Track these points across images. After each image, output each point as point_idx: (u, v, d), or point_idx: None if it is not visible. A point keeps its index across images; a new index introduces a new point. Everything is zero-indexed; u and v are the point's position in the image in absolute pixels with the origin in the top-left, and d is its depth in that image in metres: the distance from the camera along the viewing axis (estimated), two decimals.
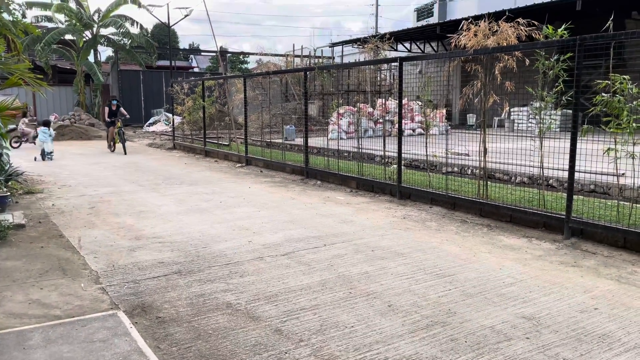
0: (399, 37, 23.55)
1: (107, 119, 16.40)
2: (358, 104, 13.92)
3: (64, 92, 29.54)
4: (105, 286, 4.53)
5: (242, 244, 5.82)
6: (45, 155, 14.52)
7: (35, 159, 14.35)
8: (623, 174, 6.14)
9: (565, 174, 6.27)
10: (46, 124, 15.50)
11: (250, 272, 4.88)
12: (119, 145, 16.47)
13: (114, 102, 16.56)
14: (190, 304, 4.12)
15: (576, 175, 6.17)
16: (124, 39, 28.58)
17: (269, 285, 4.54)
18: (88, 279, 4.71)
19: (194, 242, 5.91)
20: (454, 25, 18.58)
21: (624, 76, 5.51)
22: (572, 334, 3.58)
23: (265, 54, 30.16)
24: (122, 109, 16.60)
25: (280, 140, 15.29)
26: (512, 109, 16.02)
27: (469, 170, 9.84)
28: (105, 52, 46.19)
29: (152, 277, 4.76)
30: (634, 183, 6.11)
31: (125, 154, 15.43)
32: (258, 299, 4.21)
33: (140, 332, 3.62)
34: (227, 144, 15.67)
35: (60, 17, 27.61)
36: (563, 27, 6.13)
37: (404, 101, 8.98)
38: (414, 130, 17.16)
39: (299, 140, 14.34)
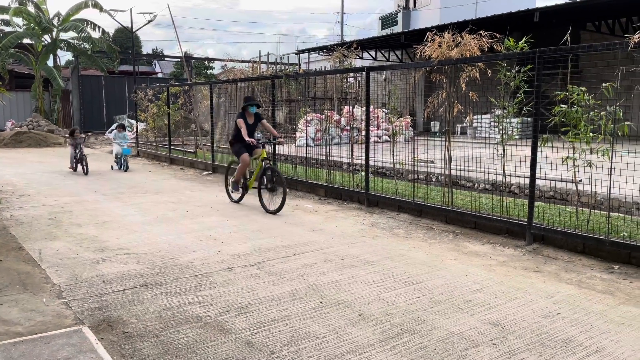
0: (364, 45, 23.82)
1: (247, 139, 8.14)
2: (325, 111, 14.00)
3: (21, 97, 28.61)
4: (69, 301, 4.40)
5: (211, 255, 5.75)
6: (123, 163, 13.63)
7: (112, 168, 13.92)
8: (580, 180, 6.39)
9: (526, 181, 6.47)
10: (123, 127, 14.49)
11: (220, 283, 4.83)
12: (248, 197, 8.89)
13: (253, 109, 8.50)
14: (158, 318, 4.05)
15: (537, 182, 6.37)
16: (85, 44, 27.89)
17: (239, 296, 4.50)
18: (50, 294, 4.57)
19: (161, 253, 5.81)
20: (418, 35, 18.93)
21: (581, 88, 5.74)
22: (536, 339, 3.69)
23: (231, 60, 30.01)
24: (264, 122, 8.82)
25: None
26: (474, 117, 16.42)
27: (434, 178, 10.03)
28: (65, 56, 45.05)
29: (117, 290, 4.66)
30: (591, 190, 6.35)
31: (278, 211, 7.88)
32: (228, 311, 4.18)
33: (106, 348, 3.53)
34: (193, 151, 15.48)
35: (18, 20, 26.76)
36: (523, 39, 6.34)
37: (370, 108, 9.09)
38: (379, 137, 17.36)
39: (267, 148, 14.28)
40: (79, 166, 12.95)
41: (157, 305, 4.29)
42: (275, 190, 8.06)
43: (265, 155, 8.25)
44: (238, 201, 8.90)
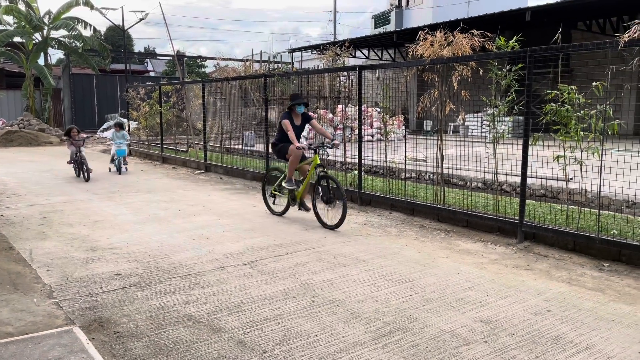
0: (357, 44, 23.85)
1: (297, 143, 7.11)
2: (318, 110, 14.00)
3: (12, 96, 28.41)
4: (60, 301, 4.37)
5: (203, 254, 5.74)
6: (117, 165, 12.58)
7: (109, 170, 12.88)
8: (571, 179, 6.43)
9: (518, 179, 6.50)
10: (120, 126, 13.10)
11: (212, 282, 4.83)
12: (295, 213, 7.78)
13: (300, 109, 7.42)
14: (149, 318, 4.03)
15: (528, 180, 6.41)
16: (76, 42, 27.73)
17: (231, 295, 4.49)
18: (41, 294, 4.54)
19: (153, 253, 5.79)
20: (410, 34, 18.98)
21: (572, 87, 5.78)
22: (527, 336, 3.72)
23: (224, 59, 29.96)
24: (314, 122, 7.62)
25: (240, 147, 15.19)
26: (466, 115, 16.46)
27: (427, 176, 10.05)
28: (56, 55, 44.73)
29: (109, 290, 4.63)
30: (582, 188, 6.40)
31: (337, 226, 6.86)
32: (220, 310, 4.17)
33: (97, 349, 3.52)
34: (185, 150, 15.44)
35: (9, 19, 26.55)
36: (515, 38, 6.37)
37: (363, 107, 9.09)
38: (372, 136, 17.38)
39: (259, 146, 14.28)
40: (80, 172, 11.62)
41: (148, 305, 4.27)
42: (332, 202, 6.99)
43: (318, 162, 7.11)
44: (281, 214, 7.73)
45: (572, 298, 4.45)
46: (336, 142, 7.33)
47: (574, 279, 4.95)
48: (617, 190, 5.76)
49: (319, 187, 7.06)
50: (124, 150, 12.72)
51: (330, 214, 7.03)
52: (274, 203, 7.92)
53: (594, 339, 3.67)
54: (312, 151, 7.26)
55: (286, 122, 7.21)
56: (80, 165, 11.56)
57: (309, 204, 7.44)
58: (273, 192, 7.88)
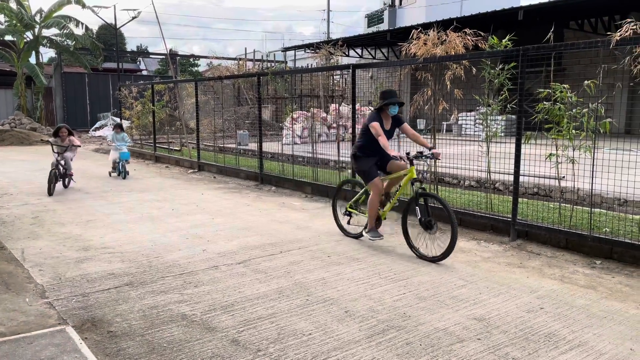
0: (350, 42, 23.87)
1: (392, 153, 5.58)
2: (312, 108, 13.99)
3: (3, 95, 28.21)
4: (52, 300, 4.34)
5: (196, 253, 5.72)
6: (121, 169, 11.61)
7: (110, 175, 11.89)
8: (563, 177, 6.46)
9: (511, 178, 6.53)
10: (120, 127, 12.35)
11: (205, 281, 4.81)
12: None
13: (394, 109, 5.84)
14: (143, 317, 4.02)
15: (520, 178, 6.44)
16: (68, 40, 27.55)
17: (225, 294, 4.48)
18: (33, 293, 4.51)
19: (146, 252, 5.77)
20: (404, 33, 19.01)
21: (564, 85, 5.81)
22: (520, 333, 3.73)
23: (217, 57, 29.87)
24: (407, 126, 6.00)
25: (233, 145, 15.16)
26: (459, 114, 16.50)
27: (420, 175, 10.06)
28: (48, 53, 44.46)
29: (102, 289, 4.61)
30: (574, 186, 6.43)
31: (441, 258, 5.36)
32: (214, 309, 4.16)
33: (90, 348, 3.50)
34: (178, 149, 15.38)
35: (0, 17, 26.35)
36: (507, 37, 6.39)
37: (357, 106, 9.11)
38: None
39: (253, 145, 14.26)
40: (56, 183, 9.48)
41: (142, 304, 4.26)
42: (433, 227, 5.49)
43: (415, 176, 5.65)
44: (357, 237, 6.37)
45: (565, 295, 4.48)
46: (436, 151, 5.79)
47: (566, 277, 4.98)
48: (609, 188, 5.79)
49: (416, 206, 5.58)
50: (127, 153, 11.76)
51: (429, 241, 5.61)
52: (348, 223, 6.56)
53: (587, 336, 3.69)
54: (408, 162, 5.68)
55: (376, 125, 5.70)
56: (63, 174, 9.72)
57: (383, 227, 6.24)
58: (349, 209, 6.47)
